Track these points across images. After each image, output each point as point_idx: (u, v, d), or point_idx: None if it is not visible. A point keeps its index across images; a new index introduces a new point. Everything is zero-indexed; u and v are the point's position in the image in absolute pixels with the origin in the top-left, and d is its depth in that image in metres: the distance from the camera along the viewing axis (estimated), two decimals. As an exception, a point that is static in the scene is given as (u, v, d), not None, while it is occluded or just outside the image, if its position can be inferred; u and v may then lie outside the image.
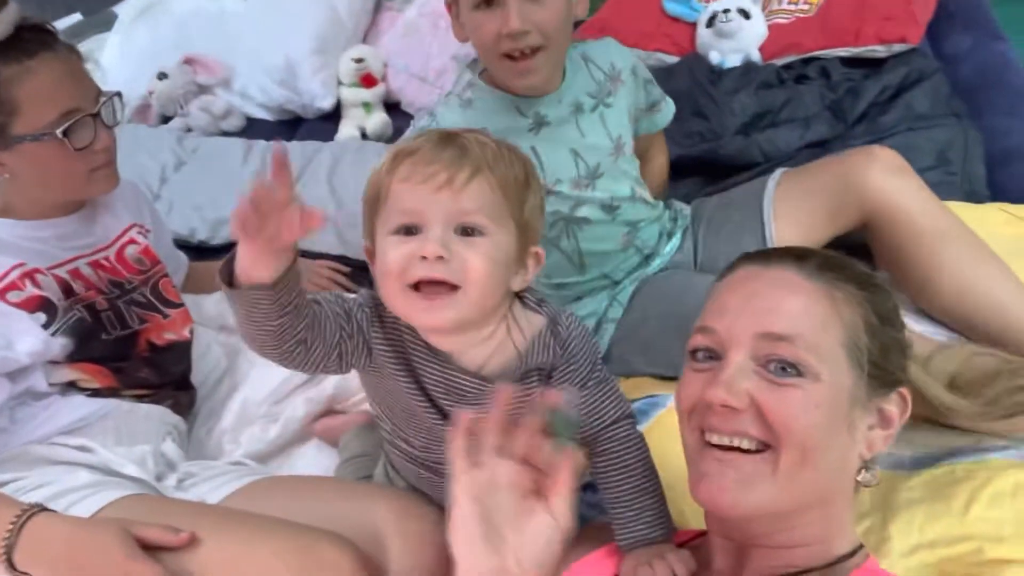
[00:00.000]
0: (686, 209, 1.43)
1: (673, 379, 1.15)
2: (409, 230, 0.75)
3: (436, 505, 1.00)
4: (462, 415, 0.63)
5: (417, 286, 0.75)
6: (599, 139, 1.23)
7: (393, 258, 0.75)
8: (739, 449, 0.68)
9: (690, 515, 0.94)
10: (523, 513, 0.61)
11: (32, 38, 1.04)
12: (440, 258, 0.73)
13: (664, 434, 0.98)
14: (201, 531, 0.91)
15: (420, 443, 0.92)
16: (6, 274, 1.06)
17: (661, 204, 1.39)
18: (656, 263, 1.34)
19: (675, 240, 1.38)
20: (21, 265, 1.08)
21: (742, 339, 0.68)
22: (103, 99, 1.10)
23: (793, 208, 1.30)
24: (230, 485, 1.07)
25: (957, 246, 1.21)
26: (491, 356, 0.83)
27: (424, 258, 0.73)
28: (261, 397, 1.34)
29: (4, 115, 1.03)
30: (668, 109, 1.38)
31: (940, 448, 1.00)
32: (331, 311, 0.81)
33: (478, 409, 0.64)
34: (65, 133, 1.05)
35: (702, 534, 0.82)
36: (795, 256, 0.72)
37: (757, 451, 0.67)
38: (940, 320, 1.24)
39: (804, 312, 0.68)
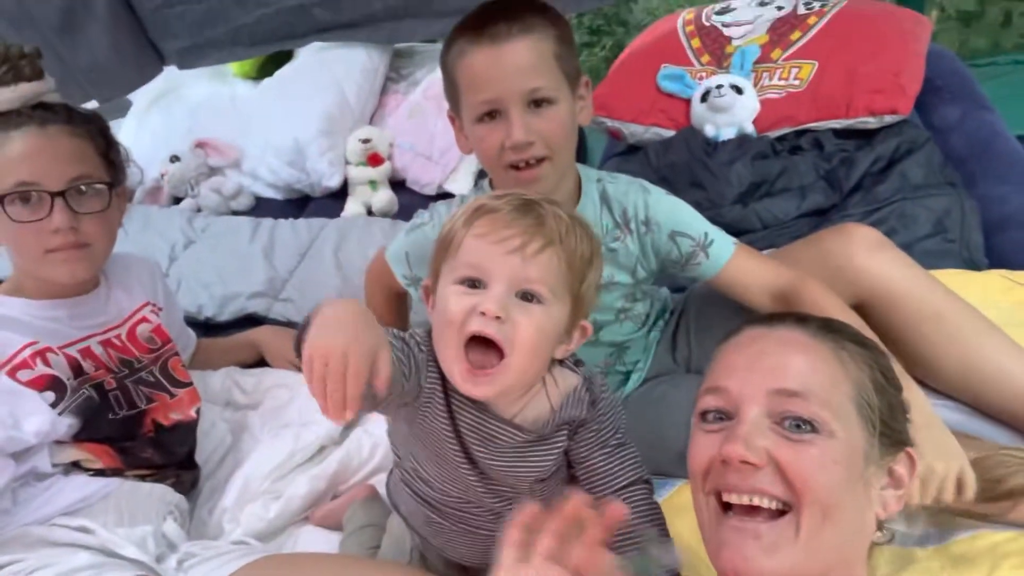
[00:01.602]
0: (669, 300, 1.38)
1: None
2: (474, 283, 0.78)
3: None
4: (527, 509, 0.62)
5: (470, 342, 0.77)
6: None
7: (455, 308, 0.78)
8: (758, 509, 0.67)
9: (700, 584, 0.92)
10: None
11: (31, 114, 1.09)
12: (497, 318, 0.76)
13: (674, 513, 0.98)
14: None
15: (439, 485, 0.92)
16: (17, 353, 1.08)
17: (652, 304, 1.33)
18: (635, 377, 1.32)
19: (651, 346, 1.33)
20: (33, 344, 1.09)
21: (755, 396, 0.69)
22: (81, 184, 1.10)
23: None
24: (231, 565, 1.05)
25: (955, 322, 1.17)
26: (526, 408, 0.85)
27: (483, 314, 0.76)
28: (263, 474, 1.33)
29: None
30: (719, 250, 1.16)
31: (940, 529, 0.98)
32: (395, 357, 0.77)
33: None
34: (8, 203, 1.07)
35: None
36: (797, 318, 0.74)
37: (779, 512, 0.66)
38: (948, 395, 1.20)
39: (813, 369, 0.69)
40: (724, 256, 1.16)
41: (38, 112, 1.10)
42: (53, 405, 1.08)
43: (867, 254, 1.19)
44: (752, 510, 0.68)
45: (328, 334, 0.65)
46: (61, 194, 1.09)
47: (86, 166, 1.13)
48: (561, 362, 0.88)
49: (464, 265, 0.79)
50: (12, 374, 1.07)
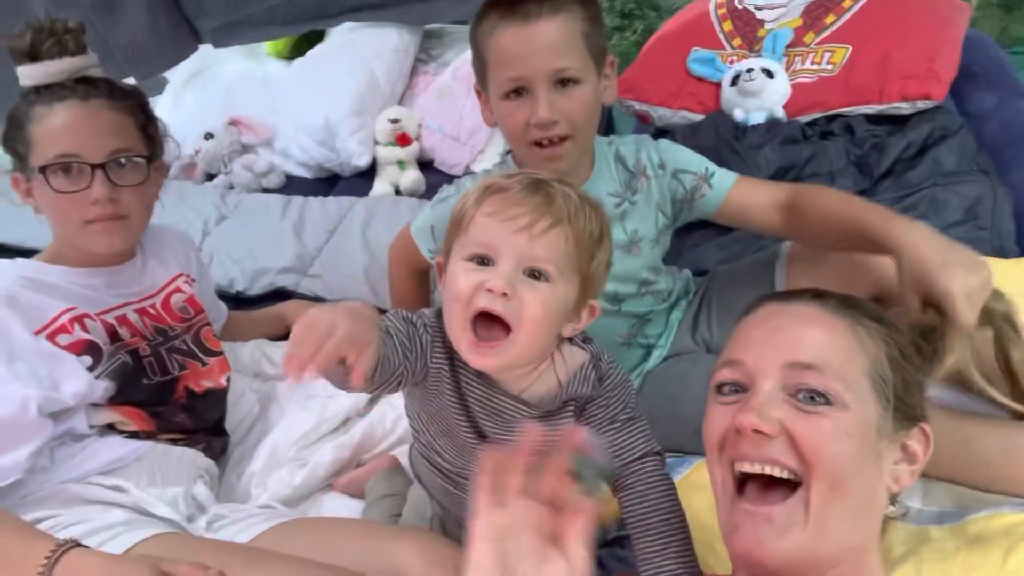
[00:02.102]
0: (692, 283, 1.41)
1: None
2: (483, 260, 0.80)
3: (460, 544, 1.02)
4: (490, 453, 0.63)
5: (477, 317, 0.79)
6: (614, 234, 1.20)
7: (463, 284, 0.80)
8: (770, 490, 0.68)
9: (714, 563, 0.94)
10: (540, 558, 0.59)
11: (74, 87, 1.12)
12: (504, 295, 0.78)
13: (691, 490, 0.99)
14: (230, 569, 0.91)
15: (452, 458, 0.95)
16: (57, 317, 1.11)
17: (674, 281, 1.36)
18: (656, 354, 1.33)
19: (672, 324, 1.34)
20: (72, 309, 1.13)
21: (770, 369, 0.69)
22: (121, 156, 1.13)
23: (804, 286, 1.26)
24: (258, 527, 1.09)
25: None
26: (534, 383, 0.87)
27: (490, 291, 0.78)
28: (290, 442, 1.36)
29: (24, 147, 1.13)
30: (721, 180, 1.23)
31: (956, 505, 0.98)
32: (399, 342, 0.83)
33: (508, 443, 0.64)
34: (51, 173, 1.10)
35: (727, 580, 0.81)
36: (815, 294, 0.75)
37: (790, 487, 0.67)
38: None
39: (829, 343, 0.69)
40: (726, 184, 1.22)
41: (81, 86, 1.13)
42: (90, 369, 1.12)
43: None
44: (765, 490, 0.68)
45: (327, 312, 0.70)
46: (101, 166, 1.12)
47: (126, 139, 1.15)
48: (571, 339, 0.90)
49: (474, 243, 0.81)
50: (52, 338, 1.10)
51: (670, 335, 1.34)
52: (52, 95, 1.12)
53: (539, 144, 1.10)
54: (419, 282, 1.43)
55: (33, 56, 1.12)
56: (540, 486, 0.61)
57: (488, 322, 0.79)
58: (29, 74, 1.13)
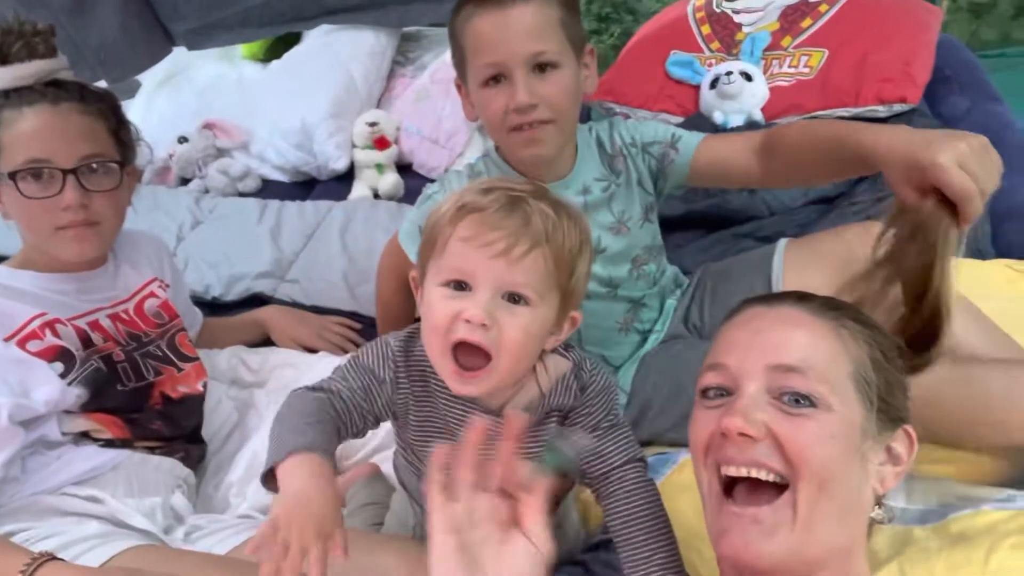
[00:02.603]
0: (682, 277, 1.42)
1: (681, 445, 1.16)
2: (459, 285, 0.78)
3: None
4: (438, 451, 0.64)
5: (457, 345, 0.78)
6: (603, 217, 1.23)
7: (439, 313, 0.78)
8: (758, 493, 0.68)
9: (700, 565, 0.93)
10: (501, 543, 0.61)
11: (44, 91, 1.10)
12: (483, 324, 0.76)
13: (675, 491, 0.99)
14: (209, 581, 0.90)
15: None
16: (27, 323, 1.09)
17: (665, 271, 1.37)
18: (652, 339, 1.33)
19: (667, 312, 1.35)
20: (43, 315, 1.11)
21: (754, 372, 0.69)
22: (92, 161, 1.11)
23: (801, 285, 1.27)
24: (237, 537, 1.07)
25: (959, 321, 1.17)
26: (515, 396, 0.86)
27: (468, 321, 0.76)
28: (270, 449, 1.34)
29: None
30: (687, 141, 1.21)
31: (940, 503, 0.99)
32: (354, 403, 0.85)
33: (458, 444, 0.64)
34: (20, 179, 1.08)
35: (714, 583, 0.81)
36: (798, 297, 0.75)
37: (777, 490, 0.67)
38: None
39: (812, 345, 0.69)
40: (693, 143, 1.20)
41: (51, 89, 1.11)
42: (62, 375, 1.10)
43: None
44: (752, 493, 0.68)
45: (295, 511, 0.70)
46: (73, 171, 1.10)
47: (97, 144, 1.13)
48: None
49: (449, 268, 0.79)
50: (22, 344, 1.08)
51: (666, 321, 1.35)
52: (21, 99, 1.09)
53: (518, 129, 1.09)
54: (407, 295, 1.41)
55: (1, 59, 1.10)
56: (490, 478, 0.63)
57: (469, 349, 0.78)
58: None
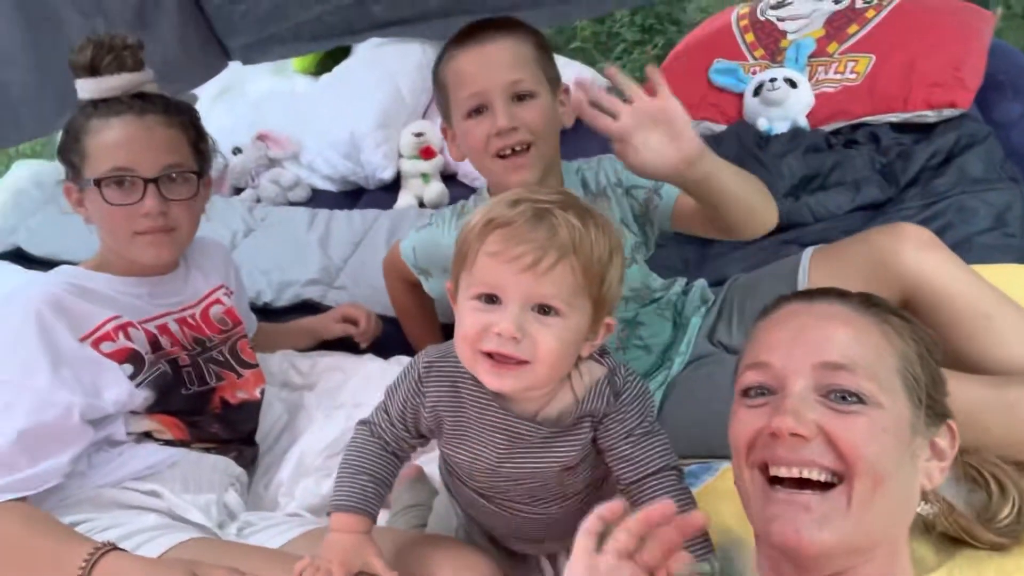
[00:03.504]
0: (708, 292, 1.41)
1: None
2: (490, 299, 0.80)
3: (490, 557, 1.03)
4: (612, 505, 0.64)
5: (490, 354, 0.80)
6: None
7: (470, 324, 0.80)
8: (807, 482, 0.67)
9: (740, 568, 0.93)
10: None
11: (131, 103, 1.15)
12: (514, 338, 0.77)
13: (716, 497, 0.98)
14: (264, 574, 0.93)
15: (478, 475, 0.95)
16: (102, 325, 1.13)
17: (668, 291, 1.37)
18: (678, 361, 1.32)
19: (692, 331, 1.34)
20: (116, 318, 1.15)
21: (800, 369, 0.69)
22: (173, 171, 1.16)
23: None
24: (288, 533, 1.10)
25: (1002, 325, 1.13)
26: (549, 403, 0.87)
27: (499, 334, 0.78)
28: (317, 451, 1.37)
29: (79, 159, 1.15)
30: (669, 190, 1.24)
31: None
32: (395, 435, 0.94)
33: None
34: (104, 186, 1.13)
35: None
36: (837, 294, 0.74)
37: (827, 484, 0.67)
38: None
39: (858, 342, 0.69)
40: (674, 192, 1.23)
41: (137, 101, 1.15)
42: (131, 377, 1.13)
43: (915, 253, 1.18)
44: (800, 483, 0.68)
45: (327, 551, 0.88)
46: (154, 181, 1.14)
47: (178, 155, 1.18)
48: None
49: (479, 282, 0.80)
50: (96, 345, 1.12)
51: (691, 341, 1.34)
52: (109, 109, 1.14)
53: (502, 156, 1.15)
54: (414, 291, 1.50)
55: (93, 71, 1.15)
56: (643, 553, 0.61)
57: (502, 357, 0.79)
58: (88, 88, 1.16)
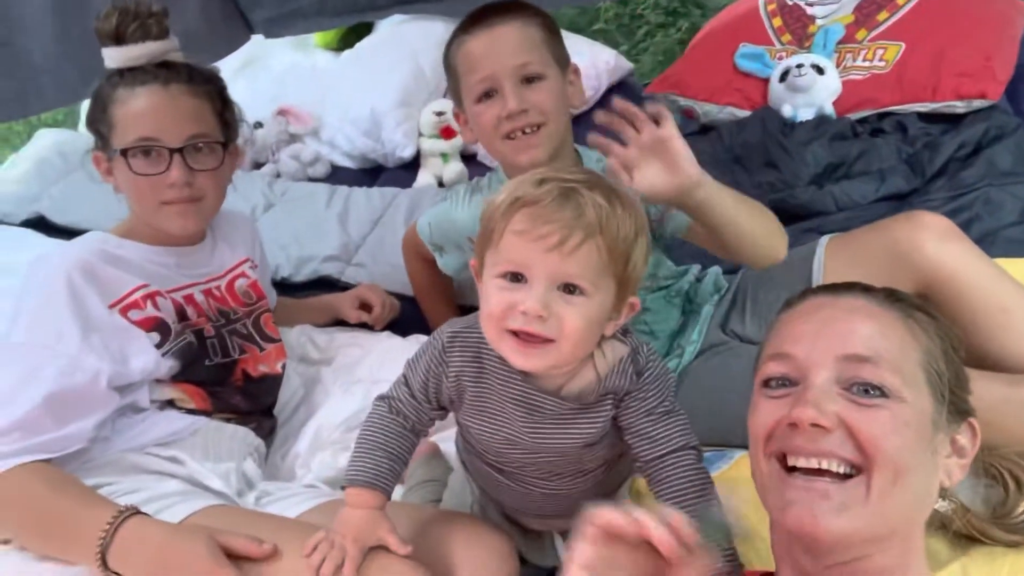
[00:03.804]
0: (722, 280, 1.41)
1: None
2: (515, 277, 0.80)
3: (504, 533, 1.04)
4: (599, 511, 0.61)
5: (515, 332, 0.80)
6: None
7: (496, 303, 0.80)
8: (826, 473, 0.67)
9: (755, 561, 0.93)
10: None
11: (156, 72, 1.15)
12: (539, 316, 0.78)
13: (733, 485, 0.99)
14: (282, 543, 0.94)
15: (497, 449, 0.96)
16: (131, 293, 1.14)
17: (680, 279, 1.38)
18: (689, 350, 1.32)
19: (704, 319, 1.34)
20: (145, 286, 1.16)
21: (824, 361, 0.69)
22: (198, 141, 1.16)
23: (843, 279, 1.26)
24: (306, 504, 1.11)
25: (1021, 321, 1.13)
26: (572, 379, 0.87)
27: (524, 313, 0.78)
28: (333, 424, 1.38)
29: (107, 128, 1.16)
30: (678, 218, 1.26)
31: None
32: (415, 407, 0.94)
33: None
34: (131, 156, 1.14)
35: (770, 574, 0.81)
36: (863, 288, 0.74)
37: (846, 476, 0.67)
38: None
39: (882, 335, 0.69)
40: (682, 222, 1.25)
41: (162, 71, 1.15)
42: (157, 346, 1.14)
43: (935, 243, 1.17)
44: (817, 473, 0.68)
45: (340, 527, 0.90)
46: (179, 150, 1.15)
47: (203, 125, 1.18)
48: None
49: (504, 260, 0.80)
50: (124, 312, 1.12)
51: (702, 330, 1.34)
52: (135, 78, 1.14)
53: (511, 137, 1.17)
54: (432, 269, 1.51)
55: (118, 38, 1.15)
56: (637, 558, 0.59)
57: (527, 335, 0.80)
58: (113, 56, 1.16)
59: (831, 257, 1.28)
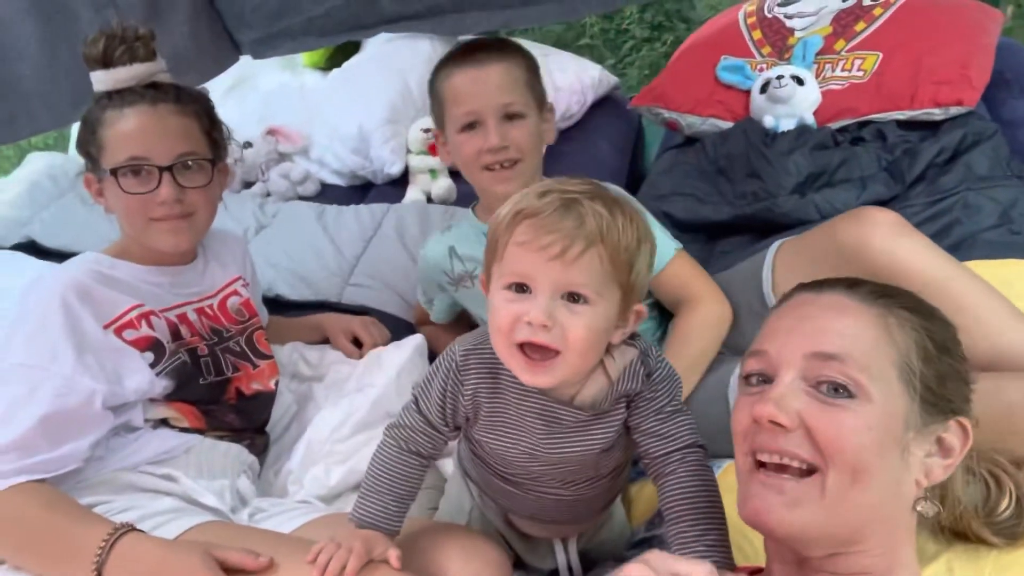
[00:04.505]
0: None
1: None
2: (520, 288, 0.82)
3: (500, 545, 1.06)
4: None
5: (523, 344, 0.82)
6: None
7: (502, 315, 0.82)
8: (788, 469, 0.68)
9: (750, 553, 0.95)
10: None
11: (144, 93, 1.17)
12: (544, 326, 0.79)
13: (722, 492, 0.99)
14: (278, 558, 0.95)
15: (510, 460, 0.96)
16: (125, 313, 1.15)
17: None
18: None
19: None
20: (139, 306, 1.17)
21: (792, 359, 0.70)
22: (187, 159, 1.18)
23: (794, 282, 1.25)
24: (299, 519, 1.12)
25: (977, 311, 1.09)
26: (585, 387, 0.89)
27: (529, 323, 0.80)
28: (323, 437, 1.38)
29: (97, 150, 1.18)
30: (661, 252, 1.27)
31: None
32: (429, 434, 0.95)
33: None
34: (121, 175, 1.15)
35: (760, 570, 0.82)
36: (848, 283, 0.74)
37: (807, 472, 0.68)
38: None
39: (855, 333, 0.69)
40: (666, 255, 1.33)
41: (150, 91, 1.18)
42: (152, 365, 1.15)
43: (883, 239, 1.15)
44: (781, 468, 0.69)
45: (350, 535, 0.92)
46: (169, 168, 1.16)
47: (192, 143, 1.20)
48: None
49: (508, 272, 0.82)
50: (119, 332, 1.13)
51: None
52: (123, 100, 1.16)
53: (490, 169, 1.26)
54: (449, 333, 1.50)
55: (105, 62, 1.17)
56: None
57: (534, 347, 0.81)
58: (102, 79, 1.18)
59: (780, 263, 1.29)
